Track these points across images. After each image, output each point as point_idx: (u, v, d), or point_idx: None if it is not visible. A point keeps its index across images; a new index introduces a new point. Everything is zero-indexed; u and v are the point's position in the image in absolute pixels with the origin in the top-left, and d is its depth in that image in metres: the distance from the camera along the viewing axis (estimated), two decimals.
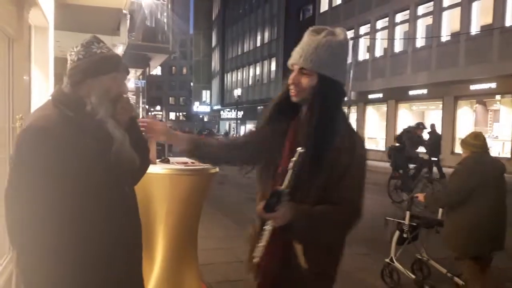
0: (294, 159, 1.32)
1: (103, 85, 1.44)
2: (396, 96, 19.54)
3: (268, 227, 1.36)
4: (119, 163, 1.42)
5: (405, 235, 3.81)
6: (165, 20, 18.71)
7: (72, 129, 1.36)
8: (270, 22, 33.28)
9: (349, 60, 20.64)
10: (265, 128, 1.59)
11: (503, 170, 3.36)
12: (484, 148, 3.33)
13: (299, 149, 1.33)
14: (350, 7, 22.59)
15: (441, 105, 17.61)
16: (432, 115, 18.84)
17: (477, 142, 3.32)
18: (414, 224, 3.82)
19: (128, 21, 9.92)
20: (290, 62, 1.51)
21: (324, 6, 25.29)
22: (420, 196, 3.63)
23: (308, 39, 1.48)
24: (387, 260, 3.93)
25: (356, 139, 1.48)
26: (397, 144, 9.66)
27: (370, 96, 21.19)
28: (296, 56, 1.48)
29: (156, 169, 2.82)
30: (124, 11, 7.01)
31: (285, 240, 1.41)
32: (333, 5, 24.36)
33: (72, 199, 1.33)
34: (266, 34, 34.20)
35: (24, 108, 4.00)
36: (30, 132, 1.34)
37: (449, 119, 17.01)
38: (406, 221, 3.83)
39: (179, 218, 2.92)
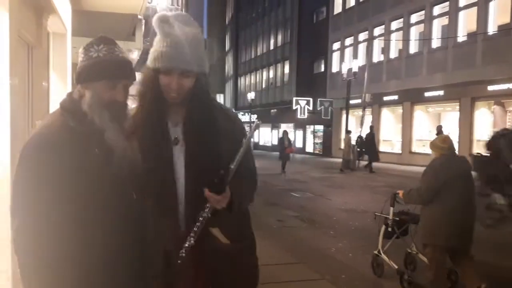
0: (248, 132, 1.42)
1: (95, 91, 1.38)
2: (411, 98, 19.30)
3: (206, 214, 1.40)
4: (123, 170, 1.38)
5: (389, 229, 4.12)
6: None
7: (75, 139, 1.33)
8: (283, 25, 33.29)
9: (364, 62, 20.53)
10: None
11: (469, 169, 3.71)
12: (451, 150, 3.69)
13: (256, 121, 1.43)
14: (364, 8, 22.45)
15: (458, 107, 17.33)
16: (449, 117, 18.54)
17: (445, 145, 3.67)
18: (397, 218, 4.11)
19: (143, 27, 10.04)
20: (167, 67, 1.40)
21: (337, 8, 25.19)
22: (401, 193, 3.98)
23: (174, 36, 1.40)
24: (375, 252, 4.25)
25: (235, 116, 1.63)
26: (487, 153, 8.02)
27: (385, 98, 20.98)
28: (175, 61, 1.40)
29: None
30: (139, 17, 7.10)
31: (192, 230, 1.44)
32: (347, 7, 24.24)
33: (75, 210, 1.30)
34: (279, 37, 34.22)
35: (43, 114, 4.08)
36: (32, 143, 1.32)
37: (466, 120, 16.71)
38: (390, 216, 4.12)
39: None
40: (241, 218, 1.59)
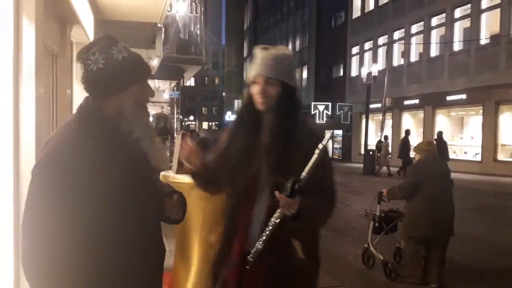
0: (321, 145, 1.44)
1: (134, 96, 1.26)
2: (433, 102, 18.95)
3: (274, 220, 1.46)
4: (148, 182, 1.28)
5: (376, 224, 4.53)
6: (198, 33, 19.12)
7: (92, 161, 1.19)
8: (302, 30, 33.27)
9: (383, 66, 20.29)
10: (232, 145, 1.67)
11: (446, 169, 4.22)
12: (434, 153, 4.20)
13: (327, 135, 1.49)
14: (383, 12, 22.24)
15: (481, 111, 16.91)
16: (472, 121, 18.11)
17: (429, 147, 4.22)
18: (383, 215, 4.52)
19: (162, 35, 10.21)
20: (254, 74, 1.62)
21: (356, 12, 25.02)
22: (385, 191, 4.39)
23: (263, 54, 1.64)
24: (365, 245, 4.65)
25: (319, 134, 1.66)
26: None
27: (406, 102, 20.67)
28: (260, 68, 1.61)
29: (191, 178, 2.87)
30: (159, 25, 7.23)
31: (285, 236, 1.52)
32: (366, 11, 24.05)
33: (88, 236, 1.18)
34: (298, 42, 34.21)
35: None
36: (44, 165, 1.19)
37: (491, 125, 16.28)
38: (377, 213, 4.54)
39: (214, 226, 2.94)
40: (316, 239, 1.68)
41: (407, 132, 16.38)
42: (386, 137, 17.10)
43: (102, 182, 1.19)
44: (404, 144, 15.58)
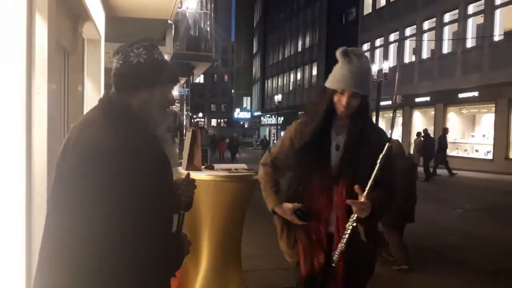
0: (383, 153, 1.69)
1: (164, 95, 1.29)
2: (444, 99, 18.72)
3: (351, 223, 1.70)
4: (170, 182, 1.30)
5: None
6: (208, 29, 19.13)
7: (128, 157, 1.17)
8: (312, 27, 33.09)
9: (394, 63, 20.07)
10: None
11: (411, 164, 4.82)
12: (399, 150, 4.63)
13: (388, 144, 1.72)
14: (395, 8, 22.01)
15: (493, 108, 16.67)
16: (484, 119, 17.87)
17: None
18: None
19: (173, 31, 10.22)
20: (343, 87, 1.79)
21: (367, 9, 24.80)
22: None
23: (351, 66, 1.79)
24: None
25: (385, 135, 1.98)
26: None
27: (417, 100, 20.46)
28: (349, 83, 1.78)
29: (201, 175, 2.88)
30: (169, 22, 7.23)
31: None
32: (377, 7, 23.83)
33: (122, 235, 1.15)
34: (308, 39, 34.03)
35: (78, 117, 4.22)
36: (84, 157, 1.15)
37: (503, 123, 16.04)
38: None
39: (224, 224, 2.95)
40: (376, 225, 1.97)
41: (445, 130, 15.24)
42: (419, 133, 15.51)
43: (133, 177, 1.17)
44: (442, 142, 14.70)
